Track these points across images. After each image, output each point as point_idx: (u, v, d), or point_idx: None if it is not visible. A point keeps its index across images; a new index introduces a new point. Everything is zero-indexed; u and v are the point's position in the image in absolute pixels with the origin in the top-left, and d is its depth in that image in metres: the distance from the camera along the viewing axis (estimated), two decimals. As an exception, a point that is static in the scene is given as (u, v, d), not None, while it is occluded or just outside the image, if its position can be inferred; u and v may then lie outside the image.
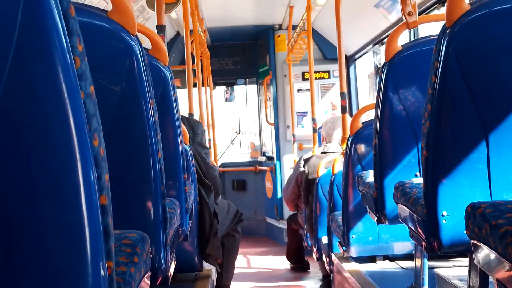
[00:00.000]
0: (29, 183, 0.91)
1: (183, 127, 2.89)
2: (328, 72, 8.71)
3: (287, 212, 7.74)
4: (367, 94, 8.43)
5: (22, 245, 0.91)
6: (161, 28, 3.49)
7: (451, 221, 1.93)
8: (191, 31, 5.89)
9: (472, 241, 1.61)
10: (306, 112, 8.50)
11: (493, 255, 1.44)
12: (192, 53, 6.07)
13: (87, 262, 0.96)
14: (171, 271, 2.01)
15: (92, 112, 1.02)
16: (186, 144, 3.00)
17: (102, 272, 0.99)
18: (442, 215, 1.94)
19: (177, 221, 2.17)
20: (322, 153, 5.37)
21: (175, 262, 2.14)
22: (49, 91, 0.91)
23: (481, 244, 1.52)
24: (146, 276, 1.45)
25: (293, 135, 8.49)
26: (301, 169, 5.62)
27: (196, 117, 6.15)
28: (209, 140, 7.79)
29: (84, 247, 0.96)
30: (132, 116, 1.77)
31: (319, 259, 4.96)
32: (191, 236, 3.31)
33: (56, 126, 0.92)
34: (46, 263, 0.94)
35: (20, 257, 0.91)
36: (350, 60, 8.42)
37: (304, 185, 5.28)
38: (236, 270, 4.93)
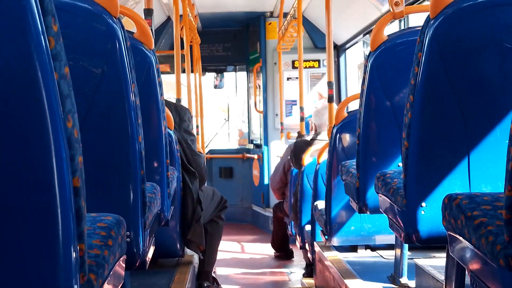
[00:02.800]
0: (0, 163, 0.91)
1: (168, 112, 2.89)
2: (318, 61, 8.69)
3: (273, 200, 7.75)
4: (357, 84, 8.43)
5: (-9, 224, 0.91)
6: (148, 12, 3.47)
7: (430, 213, 1.94)
8: (181, 16, 5.86)
9: (448, 232, 1.62)
10: (295, 101, 8.49)
11: (467, 247, 1.45)
12: (182, 38, 6.04)
13: (58, 244, 0.96)
14: (149, 255, 2.01)
15: (66, 93, 1.01)
16: (171, 129, 3.00)
17: (73, 254, 0.98)
18: (421, 206, 1.95)
19: (157, 205, 2.17)
20: (312, 139, 5.37)
21: (153, 247, 2.14)
22: (21, 70, 0.91)
23: (457, 236, 1.53)
24: (121, 259, 1.45)
25: (281, 124, 8.49)
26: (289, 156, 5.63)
27: (184, 103, 6.13)
28: (197, 126, 7.78)
29: (55, 228, 0.95)
30: (113, 99, 1.76)
31: (303, 247, 4.97)
32: (174, 221, 3.31)
33: (27, 106, 0.91)
34: (16, 244, 0.94)
35: (-13, 237, 0.91)
36: (341, 49, 8.42)
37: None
38: (220, 257, 4.94)
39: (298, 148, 5.26)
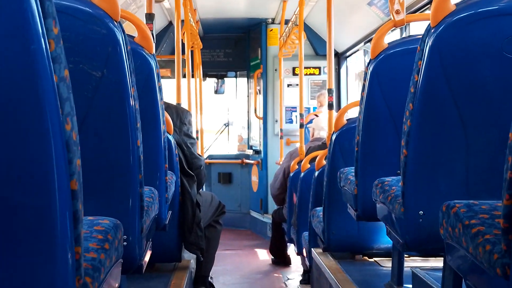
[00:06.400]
0: (-2, 165, 0.91)
1: (167, 117, 2.88)
2: (319, 68, 8.70)
3: (272, 206, 7.74)
4: (358, 92, 8.44)
5: (-13, 226, 0.91)
6: (149, 17, 3.48)
7: (428, 221, 1.94)
8: (182, 21, 5.87)
9: (445, 240, 1.62)
10: (295, 108, 8.50)
11: (464, 255, 1.45)
12: (183, 43, 6.05)
13: (55, 246, 0.96)
14: (146, 259, 2.01)
15: (66, 96, 1.01)
16: (170, 134, 2.99)
17: (70, 257, 0.98)
18: (419, 214, 1.95)
19: (155, 210, 2.17)
20: (323, 143, 5.36)
21: (150, 251, 2.14)
22: (21, 72, 0.91)
23: (454, 244, 1.53)
24: (117, 263, 1.45)
25: (281, 130, 8.49)
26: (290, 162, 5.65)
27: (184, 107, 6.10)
28: (197, 131, 7.77)
29: (52, 231, 0.95)
30: (112, 103, 1.76)
31: (300, 254, 4.97)
32: (171, 226, 3.30)
33: (27, 108, 0.91)
34: (12, 246, 0.93)
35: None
36: (341, 57, 8.42)
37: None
38: (217, 262, 4.93)
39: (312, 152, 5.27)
